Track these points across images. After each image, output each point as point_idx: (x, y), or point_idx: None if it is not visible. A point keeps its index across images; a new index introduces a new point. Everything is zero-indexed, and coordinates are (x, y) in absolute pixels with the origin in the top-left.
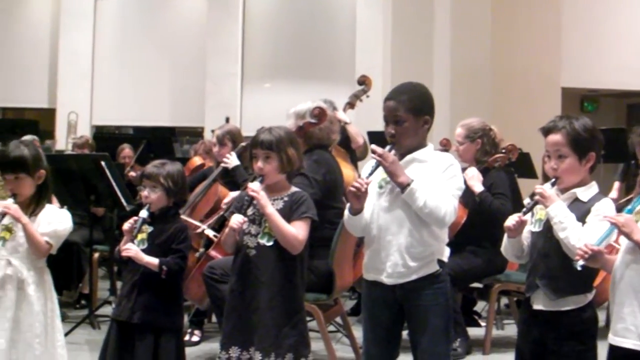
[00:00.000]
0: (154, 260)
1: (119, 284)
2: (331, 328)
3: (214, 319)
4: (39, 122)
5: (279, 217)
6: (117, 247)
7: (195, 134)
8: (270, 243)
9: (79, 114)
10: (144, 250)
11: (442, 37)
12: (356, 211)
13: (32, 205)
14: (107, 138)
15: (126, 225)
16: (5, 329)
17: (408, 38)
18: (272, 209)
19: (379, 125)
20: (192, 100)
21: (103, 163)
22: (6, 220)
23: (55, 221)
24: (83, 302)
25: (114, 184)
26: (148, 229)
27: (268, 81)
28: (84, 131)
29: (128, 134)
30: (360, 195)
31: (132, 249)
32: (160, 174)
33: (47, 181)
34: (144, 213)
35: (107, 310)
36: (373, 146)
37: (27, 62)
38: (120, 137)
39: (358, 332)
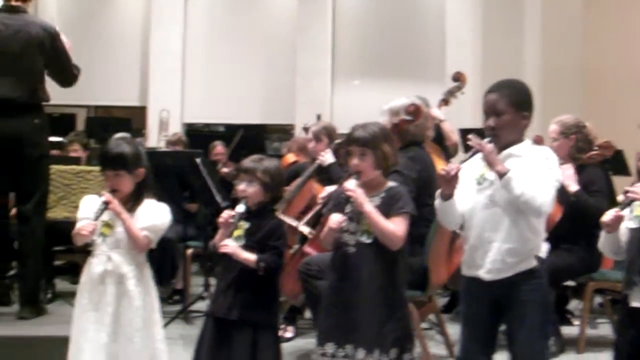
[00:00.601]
0: (251, 257)
1: (211, 280)
2: (424, 325)
3: (307, 315)
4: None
5: (377, 214)
6: (211, 241)
7: (284, 131)
8: (370, 240)
9: (170, 111)
10: (241, 247)
11: (533, 32)
12: (446, 196)
13: (131, 203)
14: (198, 135)
15: (222, 218)
16: (106, 324)
17: (498, 34)
18: (369, 206)
19: (468, 122)
20: (282, 97)
21: (198, 160)
22: (106, 217)
23: (153, 215)
24: (176, 297)
25: (209, 180)
26: (245, 224)
27: (358, 78)
28: (175, 129)
29: (219, 131)
30: (450, 180)
31: (230, 245)
32: (257, 168)
33: (146, 179)
34: (241, 208)
35: (201, 305)
36: (471, 135)
37: (118, 61)
38: (212, 135)
39: (451, 330)
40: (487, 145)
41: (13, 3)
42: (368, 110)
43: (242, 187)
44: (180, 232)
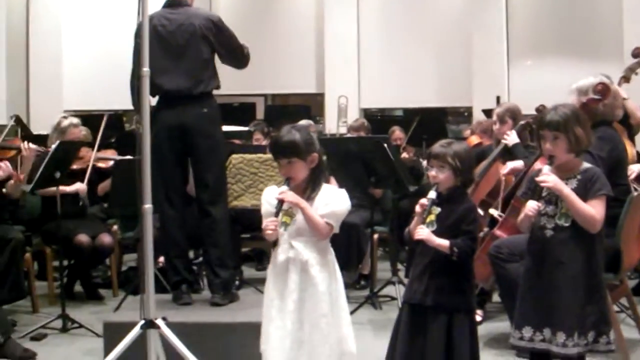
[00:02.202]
0: (445, 242)
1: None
2: (615, 308)
3: (494, 298)
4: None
5: (575, 198)
6: (406, 229)
7: (458, 114)
8: (568, 224)
9: (348, 97)
10: (433, 232)
11: None
12: None
13: (308, 190)
14: (375, 120)
15: (417, 207)
16: (290, 311)
17: None
18: (568, 190)
19: None
20: (458, 80)
21: (385, 145)
22: (286, 205)
23: (332, 202)
24: (362, 282)
25: (397, 165)
26: (437, 210)
27: (534, 57)
28: (353, 114)
29: (398, 116)
30: None
31: (424, 232)
32: (447, 153)
33: (320, 164)
34: (432, 194)
35: (388, 290)
36: None
37: (294, 50)
38: (390, 119)
39: None
40: None
41: None
42: (546, 90)
43: (433, 172)
44: (366, 218)
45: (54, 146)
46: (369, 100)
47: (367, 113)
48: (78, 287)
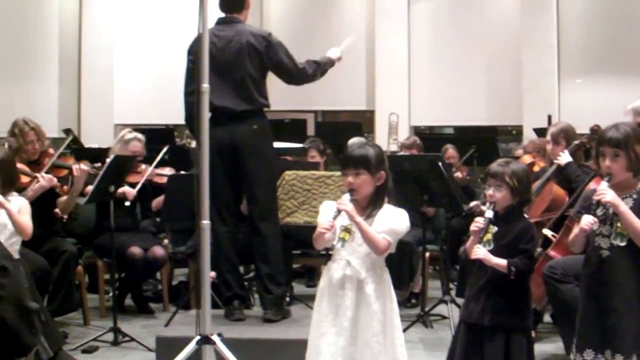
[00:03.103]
0: (502, 262)
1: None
2: None
3: (545, 319)
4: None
5: (632, 215)
6: (462, 248)
7: (507, 132)
8: (624, 243)
9: (398, 115)
10: (489, 251)
11: None
12: None
13: (370, 207)
14: (427, 138)
15: (473, 226)
16: (345, 328)
17: None
18: (625, 207)
19: None
20: (508, 98)
21: (440, 163)
22: (346, 222)
23: (392, 219)
24: (413, 301)
25: (452, 184)
26: (493, 229)
27: (585, 76)
28: (403, 132)
29: (447, 134)
30: None
31: (481, 251)
32: (505, 172)
33: (386, 183)
34: (489, 213)
35: (440, 309)
36: None
37: (345, 67)
38: (439, 137)
39: None
40: None
41: (229, 15)
42: (597, 108)
43: (491, 192)
44: (417, 236)
45: (109, 160)
46: (419, 118)
47: (417, 130)
48: (128, 301)
